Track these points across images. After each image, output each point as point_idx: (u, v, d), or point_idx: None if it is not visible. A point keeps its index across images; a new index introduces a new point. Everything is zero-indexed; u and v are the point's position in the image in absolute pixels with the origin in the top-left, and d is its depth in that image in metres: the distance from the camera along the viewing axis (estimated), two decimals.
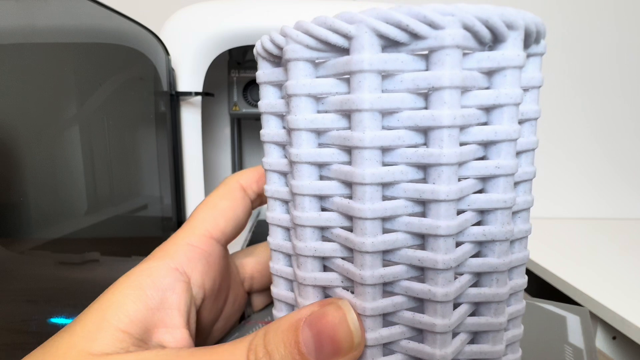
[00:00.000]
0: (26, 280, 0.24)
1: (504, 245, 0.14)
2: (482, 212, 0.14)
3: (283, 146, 0.16)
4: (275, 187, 0.16)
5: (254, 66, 0.54)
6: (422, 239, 0.14)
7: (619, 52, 0.91)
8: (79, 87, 0.27)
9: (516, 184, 0.15)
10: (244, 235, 0.53)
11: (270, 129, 0.16)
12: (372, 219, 0.13)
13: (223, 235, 0.16)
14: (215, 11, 0.37)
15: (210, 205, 0.16)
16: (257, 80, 0.16)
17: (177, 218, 0.37)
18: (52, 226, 0.26)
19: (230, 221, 0.16)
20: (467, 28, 0.12)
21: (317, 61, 0.14)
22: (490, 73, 0.13)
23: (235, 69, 0.53)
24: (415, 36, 0.12)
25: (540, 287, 0.68)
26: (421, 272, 0.14)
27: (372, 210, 0.13)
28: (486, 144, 0.14)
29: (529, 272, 0.68)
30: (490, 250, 0.14)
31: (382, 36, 0.12)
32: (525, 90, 0.15)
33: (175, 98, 0.36)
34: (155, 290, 0.14)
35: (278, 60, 0.15)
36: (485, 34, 0.13)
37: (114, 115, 0.31)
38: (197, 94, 0.37)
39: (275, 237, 0.16)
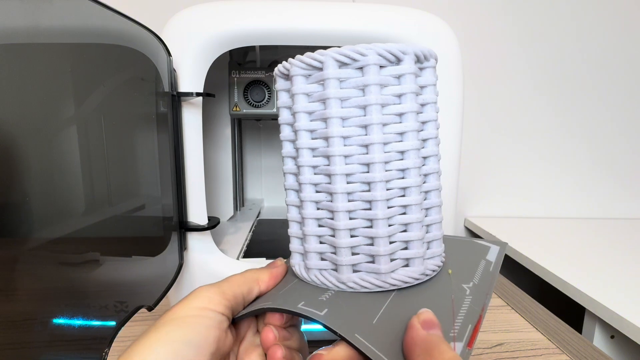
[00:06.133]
0: (27, 280, 0.24)
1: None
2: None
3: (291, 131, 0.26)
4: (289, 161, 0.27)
5: (254, 67, 0.54)
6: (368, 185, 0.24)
7: (610, 57, 0.92)
8: (81, 87, 0.27)
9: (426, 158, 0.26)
10: (245, 234, 0.53)
11: (284, 118, 0.27)
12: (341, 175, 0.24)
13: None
14: (216, 12, 0.38)
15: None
16: (276, 88, 0.27)
17: (178, 218, 0.38)
18: (55, 226, 0.26)
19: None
20: (379, 55, 0.23)
21: (307, 75, 0.25)
22: (398, 77, 0.24)
23: (236, 69, 0.53)
24: (354, 60, 0.24)
25: (540, 287, 0.68)
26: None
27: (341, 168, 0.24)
28: (400, 115, 0.24)
29: (529, 273, 0.68)
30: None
31: (337, 61, 0.24)
32: (424, 87, 0.25)
33: (176, 98, 0.36)
34: None
35: (286, 76, 0.26)
36: (389, 57, 0.24)
37: (116, 115, 0.31)
38: (198, 94, 0.37)
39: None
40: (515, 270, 0.76)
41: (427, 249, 0.26)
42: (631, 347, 0.52)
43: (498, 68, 0.89)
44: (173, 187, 0.37)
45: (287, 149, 0.27)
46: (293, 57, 0.25)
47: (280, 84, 0.27)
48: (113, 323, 0.29)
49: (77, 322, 0.26)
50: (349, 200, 0.24)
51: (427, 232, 0.26)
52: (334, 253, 0.25)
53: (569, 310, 0.62)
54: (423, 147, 0.25)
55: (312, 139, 0.25)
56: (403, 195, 0.24)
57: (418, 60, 0.25)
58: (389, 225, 0.24)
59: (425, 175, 0.26)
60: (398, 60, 0.24)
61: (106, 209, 0.31)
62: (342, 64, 0.24)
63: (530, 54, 0.89)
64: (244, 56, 0.61)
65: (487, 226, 0.86)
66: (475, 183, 0.93)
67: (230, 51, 0.55)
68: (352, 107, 0.24)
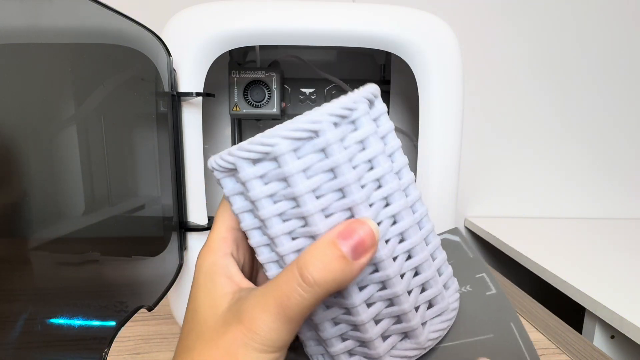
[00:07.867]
0: (27, 280, 0.24)
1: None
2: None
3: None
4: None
5: (254, 67, 0.54)
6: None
7: (610, 57, 0.92)
8: (81, 87, 0.27)
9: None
10: None
11: (248, 224, 0.22)
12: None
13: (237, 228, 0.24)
14: (216, 12, 0.38)
15: (222, 211, 0.23)
16: (225, 193, 0.22)
17: (178, 218, 0.38)
18: (55, 226, 0.26)
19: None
20: (336, 115, 0.20)
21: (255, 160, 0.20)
22: (361, 142, 0.21)
23: (236, 69, 0.53)
24: (311, 134, 0.19)
25: (540, 287, 0.68)
26: None
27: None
28: (378, 179, 0.21)
29: (529, 273, 0.68)
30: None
31: (291, 138, 0.19)
32: (385, 134, 0.22)
33: (176, 98, 0.36)
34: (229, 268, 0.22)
35: (231, 171, 0.21)
36: (346, 113, 0.20)
37: (116, 115, 0.31)
38: (198, 94, 0.37)
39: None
40: (515, 270, 0.76)
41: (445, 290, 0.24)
42: (631, 347, 0.52)
43: (498, 68, 0.89)
44: (173, 187, 0.37)
45: (265, 255, 0.22)
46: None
47: (229, 187, 0.22)
48: (113, 323, 0.29)
49: (77, 322, 0.26)
50: (360, 288, 0.21)
51: (440, 275, 0.24)
52: (364, 346, 0.22)
53: (569, 310, 0.62)
54: (408, 196, 0.22)
55: (293, 238, 0.21)
56: (410, 257, 0.22)
57: (371, 103, 0.22)
58: (408, 294, 0.22)
59: (418, 223, 0.22)
60: (351, 112, 0.20)
61: (106, 208, 0.31)
62: (297, 140, 0.19)
63: (530, 54, 0.89)
64: (244, 56, 0.61)
65: (487, 226, 0.86)
66: (475, 183, 0.93)
67: (230, 51, 0.55)
68: (329, 192, 0.20)
